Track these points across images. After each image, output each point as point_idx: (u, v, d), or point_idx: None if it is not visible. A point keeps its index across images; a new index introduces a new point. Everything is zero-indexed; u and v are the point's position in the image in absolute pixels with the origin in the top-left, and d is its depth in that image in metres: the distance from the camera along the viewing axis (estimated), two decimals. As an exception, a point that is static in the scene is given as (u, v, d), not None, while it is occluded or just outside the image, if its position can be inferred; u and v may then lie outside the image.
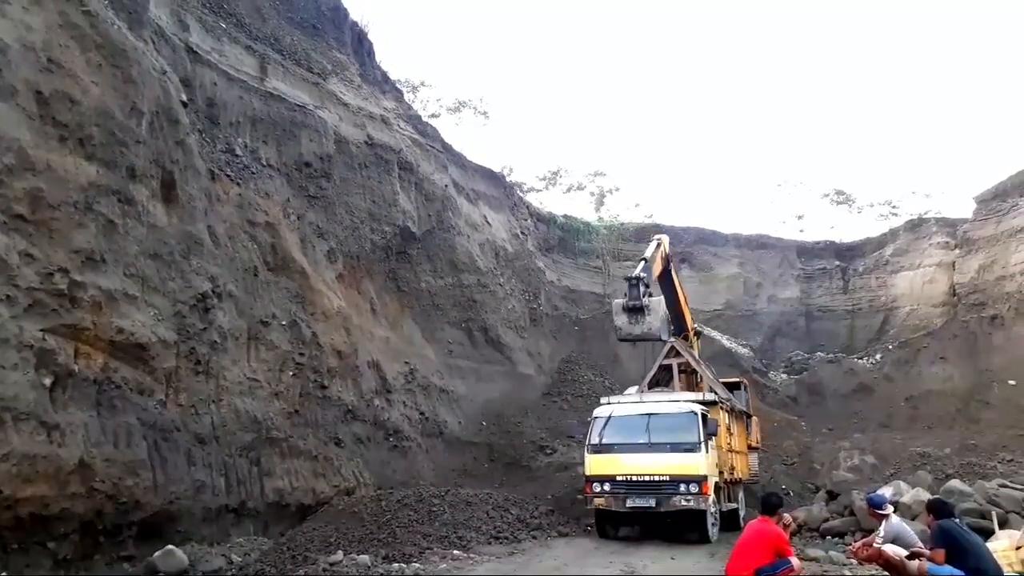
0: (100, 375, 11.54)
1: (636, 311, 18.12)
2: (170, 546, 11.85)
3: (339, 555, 11.74)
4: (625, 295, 18.47)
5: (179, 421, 13.05)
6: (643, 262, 19.25)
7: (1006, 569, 9.22)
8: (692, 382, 20.29)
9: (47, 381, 10.55)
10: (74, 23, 12.17)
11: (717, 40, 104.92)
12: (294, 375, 16.99)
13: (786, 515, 10.02)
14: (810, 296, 44.87)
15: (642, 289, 18.65)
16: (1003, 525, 13.34)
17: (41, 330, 10.59)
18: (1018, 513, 14.04)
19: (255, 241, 17.46)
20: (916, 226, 42.88)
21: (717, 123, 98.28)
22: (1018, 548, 10.73)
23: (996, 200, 36.59)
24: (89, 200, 11.77)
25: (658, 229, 36.65)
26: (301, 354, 17.39)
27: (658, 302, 18.52)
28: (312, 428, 17.18)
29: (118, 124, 12.62)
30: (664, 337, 19.25)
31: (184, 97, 15.75)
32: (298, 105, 21.20)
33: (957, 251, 38.72)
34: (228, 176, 17.56)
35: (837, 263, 45.42)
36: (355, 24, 27.40)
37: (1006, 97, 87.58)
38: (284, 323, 17.17)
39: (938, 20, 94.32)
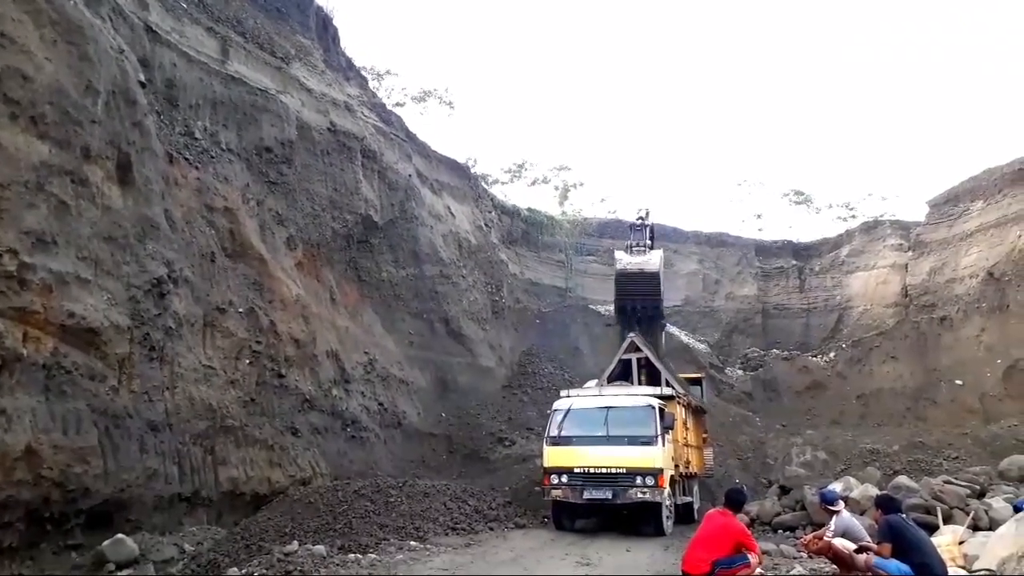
0: (49, 360, 11.25)
1: (638, 248, 19.65)
2: (120, 535, 11.63)
3: (294, 545, 11.60)
4: (629, 238, 20.25)
5: (131, 408, 12.78)
6: (645, 212, 21.23)
7: (949, 563, 9.48)
8: (652, 376, 20.52)
9: (-7, 365, 10.25)
10: (28, -3, 11.81)
11: (682, 39, 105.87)
12: (250, 363, 16.76)
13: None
14: (767, 294, 45.62)
15: (646, 232, 20.47)
16: (947, 520, 13.71)
17: (-12, 312, 10.29)
18: (962, 509, 14.41)
19: (213, 226, 17.15)
20: (871, 228, 43.86)
21: (680, 121, 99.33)
22: (961, 543, 11.06)
23: (948, 204, 37.55)
24: (41, 180, 11.44)
25: (620, 225, 36.99)
26: (258, 342, 17.16)
27: (659, 250, 20.15)
28: (268, 417, 16.97)
29: (72, 103, 12.29)
30: (660, 274, 20.50)
31: (142, 77, 15.37)
32: (260, 89, 20.83)
33: (910, 253, 39.68)
34: (186, 159, 17.20)
35: (794, 262, 46.23)
36: (320, 9, 27.03)
37: (961, 103, 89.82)
38: (241, 310, 16.91)
39: (897, 27, 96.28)
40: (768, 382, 36.91)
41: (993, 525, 12.80)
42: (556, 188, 47.03)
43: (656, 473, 14.72)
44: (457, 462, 23.81)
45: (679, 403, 17.94)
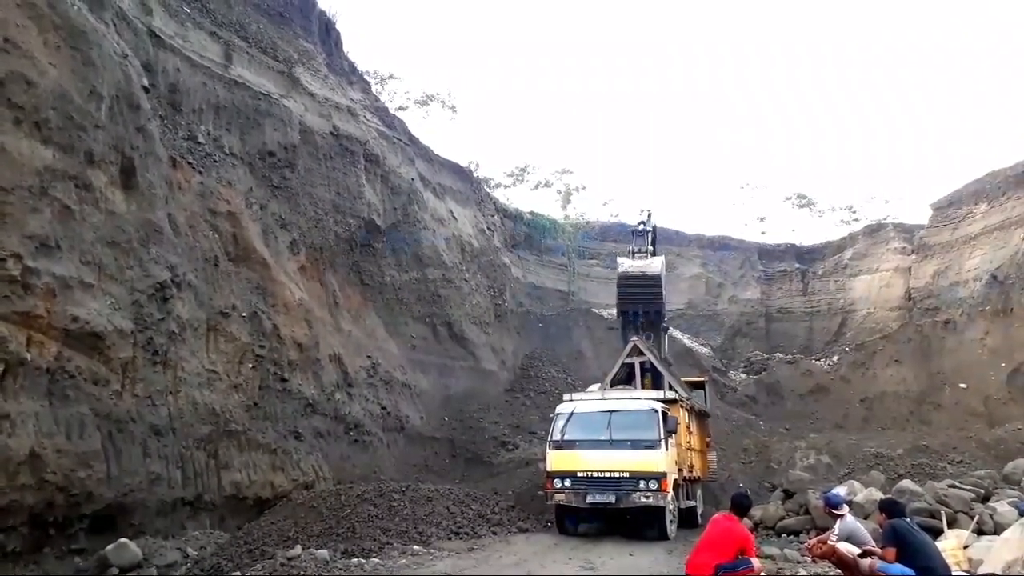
0: (53, 364, 11.27)
1: (640, 254, 20.32)
2: (123, 539, 11.65)
3: (297, 549, 11.60)
4: (632, 243, 21.67)
5: (135, 412, 12.80)
6: (647, 214, 21.86)
7: (953, 567, 9.44)
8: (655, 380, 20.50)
9: (-3, 369, 10.27)
10: (32, 2, 11.87)
11: (684, 42, 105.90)
12: (253, 367, 16.76)
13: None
14: (770, 297, 45.54)
15: (648, 237, 21.12)
16: (951, 524, 13.64)
17: (-8, 317, 10.30)
18: (966, 513, 14.34)
19: (216, 231, 17.17)
20: (874, 231, 43.82)
21: (683, 124, 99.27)
22: (965, 547, 11.01)
23: (952, 207, 37.52)
24: (44, 185, 11.48)
25: (623, 228, 37.04)
26: (261, 346, 17.16)
27: (661, 256, 20.82)
28: (271, 421, 16.97)
29: (76, 108, 12.33)
30: (662, 277, 21.05)
31: (146, 82, 15.44)
32: (263, 93, 20.89)
33: (913, 256, 39.63)
34: (190, 164, 17.25)
35: (797, 266, 46.15)
36: (323, 13, 27.11)
37: (964, 106, 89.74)
38: (244, 314, 16.92)
39: (900, 29, 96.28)
40: (771, 386, 36.84)
41: (998, 529, 12.74)
42: (559, 192, 47.12)
43: (659, 477, 14.68)
44: (460, 466, 23.78)
45: (682, 407, 17.89)
